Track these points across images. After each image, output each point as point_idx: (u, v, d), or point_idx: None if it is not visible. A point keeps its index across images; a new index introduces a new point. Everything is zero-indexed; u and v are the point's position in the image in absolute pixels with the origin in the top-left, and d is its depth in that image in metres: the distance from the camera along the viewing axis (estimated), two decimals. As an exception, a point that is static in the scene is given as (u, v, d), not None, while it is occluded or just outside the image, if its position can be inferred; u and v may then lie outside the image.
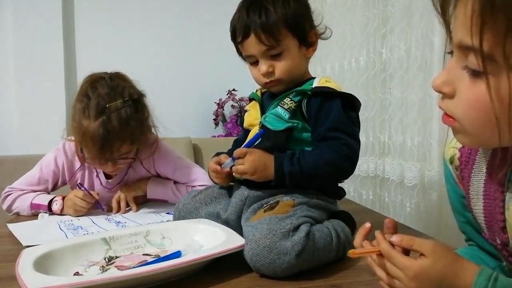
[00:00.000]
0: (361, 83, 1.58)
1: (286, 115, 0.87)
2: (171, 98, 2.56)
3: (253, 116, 0.96)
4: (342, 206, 0.95)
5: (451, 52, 0.50)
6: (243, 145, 0.87)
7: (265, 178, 0.83)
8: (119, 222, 1.08)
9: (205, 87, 2.69)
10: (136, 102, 1.11)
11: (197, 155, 2.27)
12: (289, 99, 0.88)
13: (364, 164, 1.58)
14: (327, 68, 1.84)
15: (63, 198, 1.16)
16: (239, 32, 0.89)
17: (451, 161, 0.65)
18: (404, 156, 1.35)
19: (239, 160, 0.83)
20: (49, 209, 1.16)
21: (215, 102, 2.64)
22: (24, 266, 0.66)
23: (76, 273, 0.72)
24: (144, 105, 1.15)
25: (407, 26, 1.31)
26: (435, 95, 1.20)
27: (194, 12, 2.68)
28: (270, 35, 0.85)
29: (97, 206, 1.18)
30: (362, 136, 1.58)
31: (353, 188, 1.68)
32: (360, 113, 0.91)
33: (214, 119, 2.65)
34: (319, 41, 0.94)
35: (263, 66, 0.89)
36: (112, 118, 1.04)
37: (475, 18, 0.42)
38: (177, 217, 0.96)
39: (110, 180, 1.26)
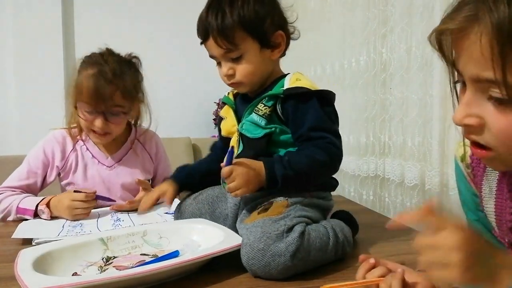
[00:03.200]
0: (361, 83, 1.58)
1: (263, 122, 0.85)
2: (171, 98, 2.56)
3: (230, 124, 0.94)
4: (343, 206, 0.95)
5: (457, 82, 0.50)
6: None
7: (260, 185, 0.80)
8: (118, 219, 1.08)
9: (205, 87, 2.69)
10: (131, 62, 1.23)
11: (196, 155, 2.27)
12: (263, 105, 0.86)
13: (365, 164, 1.58)
14: (327, 68, 1.84)
15: (48, 205, 1.09)
16: (199, 33, 0.88)
17: (462, 159, 0.65)
18: (405, 156, 1.34)
19: (228, 179, 0.78)
20: (34, 216, 1.10)
21: (215, 102, 2.63)
22: (24, 266, 0.65)
23: (75, 274, 0.71)
24: (137, 69, 1.25)
25: (407, 26, 1.31)
26: (435, 95, 1.20)
27: (194, 11, 2.68)
28: (226, 39, 0.83)
29: (101, 198, 1.14)
30: (362, 136, 1.58)
31: (353, 188, 1.68)
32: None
33: (214, 119, 2.65)
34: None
35: (223, 68, 0.88)
36: (107, 66, 1.14)
37: (495, 53, 0.42)
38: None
39: (108, 158, 1.27)
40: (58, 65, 2.43)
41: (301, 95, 0.83)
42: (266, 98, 0.86)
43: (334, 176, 0.91)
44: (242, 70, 0.86)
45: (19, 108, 2.41)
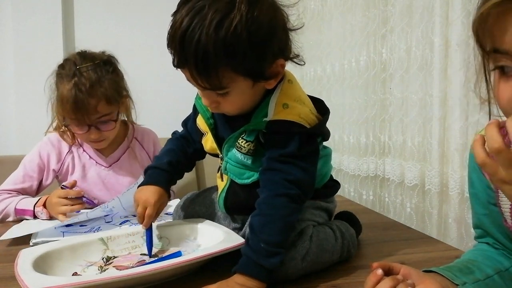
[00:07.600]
0: (361, 83, 1.57)
1: (249, 160, 0.75)
2: (172, 98, 2.55)
3: (212, 146, 0.83)
4: (343, 206, 0.96)
5: (496, 68, 0.48)
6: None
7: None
8: (111, 209, 1.05)
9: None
10: (106, 63, 1.17)
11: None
12: (244, 141, 0.74)
13: (364, 164, 1.58)
14: (327, 68, 1.84)
15: (44, 205, 1.09)
16: (172, 54, 0.68)
17: None
18: (404, 156, 1.34)
19: None
20: (34, 216, 1.11)
21: (215, 102, 2.63)
22: (24, 266, 0.65)
23: (75, 274, 0.71)
24: (115, 67, 1.21)
25: (407, 26, 1.31)
26: (435, 95, 1.19)
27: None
28: (208, 80, 0.65)
29: (87, 202, 1.13)
30: (362, 136, 1.58)
31: (353, 188, 1.68)
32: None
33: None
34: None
35: (205, 100, 0.73)
36: (83, 77, 1.10)
37: None
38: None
39: (107, 158, 1.26)
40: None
41: (284, 133, 0.71)
42: (246, 133, 0.74)
43: (336, 178, 0.90)
44: (229, 105, 0.72)
45: (18, 108, 2.41)
